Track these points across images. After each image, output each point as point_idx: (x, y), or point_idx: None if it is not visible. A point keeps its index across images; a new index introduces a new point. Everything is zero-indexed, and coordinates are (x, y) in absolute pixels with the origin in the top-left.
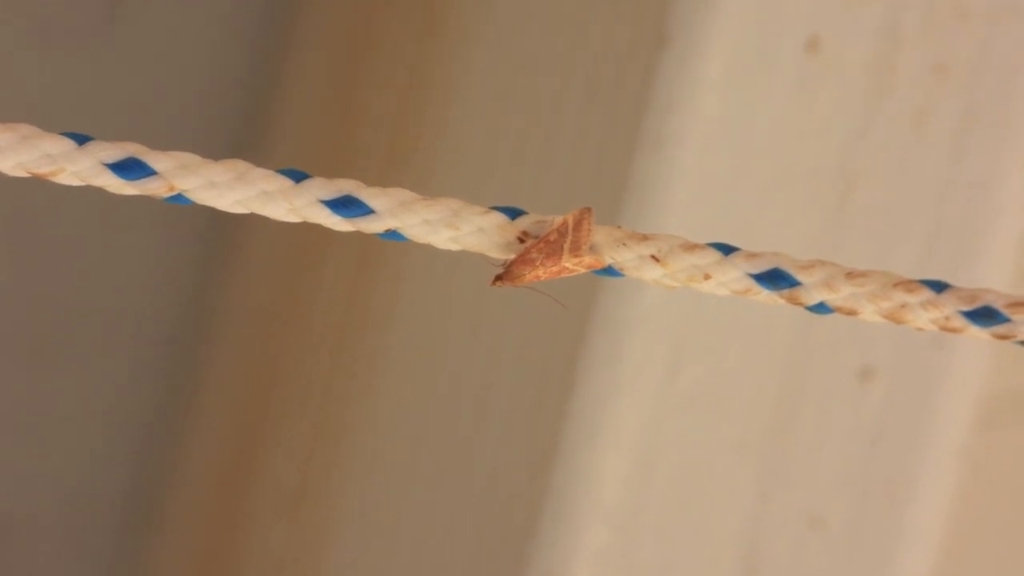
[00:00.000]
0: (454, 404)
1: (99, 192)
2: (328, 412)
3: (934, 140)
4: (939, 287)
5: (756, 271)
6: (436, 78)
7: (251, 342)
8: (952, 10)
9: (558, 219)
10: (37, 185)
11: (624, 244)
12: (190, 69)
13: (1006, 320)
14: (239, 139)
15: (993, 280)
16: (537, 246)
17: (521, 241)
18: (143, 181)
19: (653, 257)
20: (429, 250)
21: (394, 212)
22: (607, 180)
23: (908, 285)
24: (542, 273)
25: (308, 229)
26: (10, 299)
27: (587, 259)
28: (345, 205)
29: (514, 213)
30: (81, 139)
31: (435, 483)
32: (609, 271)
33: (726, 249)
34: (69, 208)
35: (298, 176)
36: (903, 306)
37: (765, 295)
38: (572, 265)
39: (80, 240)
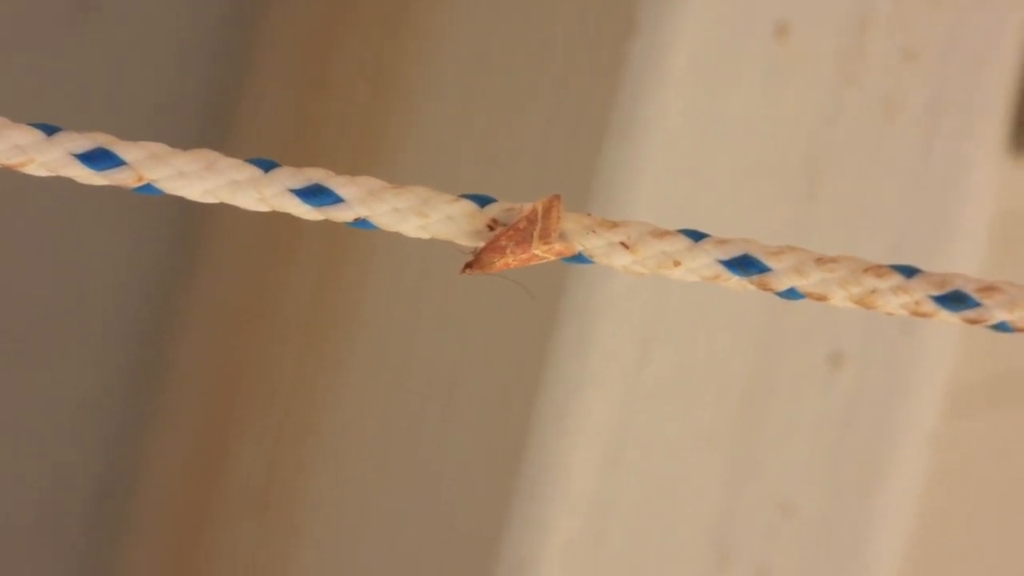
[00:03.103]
0: (423, 396)
1: (63, 186)
2: (296, 408)
3: (903, 128)
4: (909, 272)
5: (726, 257)
6: (403, 68)
7: (218, 338)
8: None
9: (527, 207)
10: (1, 175)
11: (593, 231)
12: (157, 61)
13: (976, 304)
14: (207, 131)
15: (963, 267)
16: (507, 234)
17: (491, 229)
18: (112, 171)
19: (622, 244)
20: (398, 241)
21: (363, 200)
22: (576, 168)
23: (878, 270)
24: (512, 261)
25: (275, 223)
26: None
27: (556, 246)
28: (314, 194)
29: (483, 201)
30: (50, 129)
31: (404, 476)
32: (579, 258)
33: (696, 235)
34: (31, 202)
35: (267, 165)
36: (873, 291)
37: (735, 281)
38: (542, 252)
39: (44, 236)
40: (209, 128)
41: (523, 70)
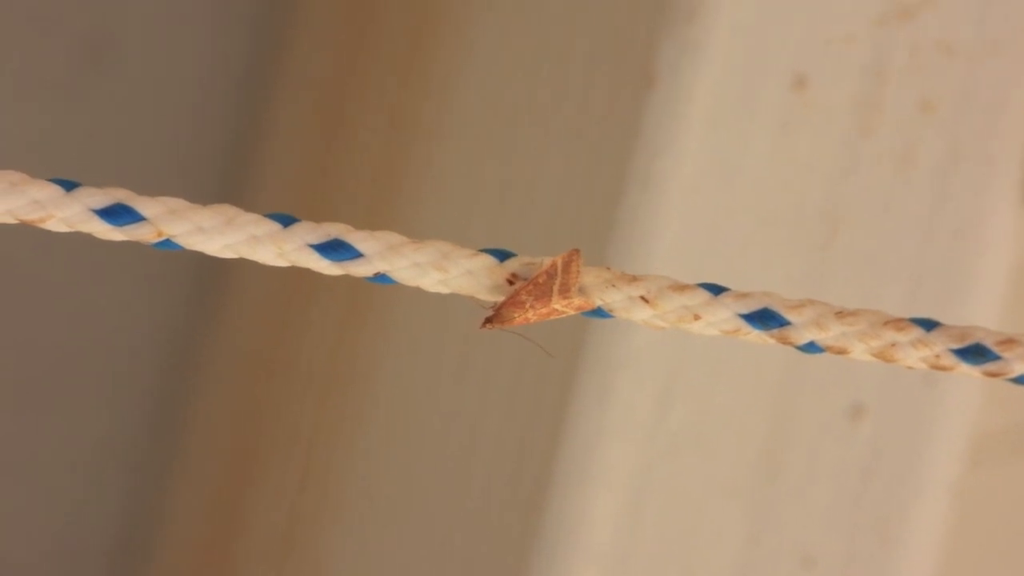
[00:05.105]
0: (443, 447)
1: (86, 236)
2: (316, 457)
3: (920, 178)
4: (929, 325)
5: (746, 311)
6: (420, 120)
7: (239, 387)
8: (937, 47)
9: (547, 261)
10: (22, 230)
11: (613, 285)
12: (174, 114)
13: (996, 358)
14: (223, 183)
15: (980, 319)
16: (526, 288)
17: (510, 283)
18: (131, 227)
19: (642, 298)
20: (417, 293)
21: (383, 255)
22: (593, 220)
23: (898, 324)
24: (532, 315)
25: (295, 273)
26: None
27: (576, 301)
28: (334, 249)
29: (503, 255)
30: (69, 185)
31: (424, 527)
32: (598, 312)
33: (716, 289)
34: (55, 252)
35: (287, 220)
36: (893, 345)
37: (755, 335)
38: (561, 307)
39: (67, 285)
40: (226, 177)
41: (539, 122)
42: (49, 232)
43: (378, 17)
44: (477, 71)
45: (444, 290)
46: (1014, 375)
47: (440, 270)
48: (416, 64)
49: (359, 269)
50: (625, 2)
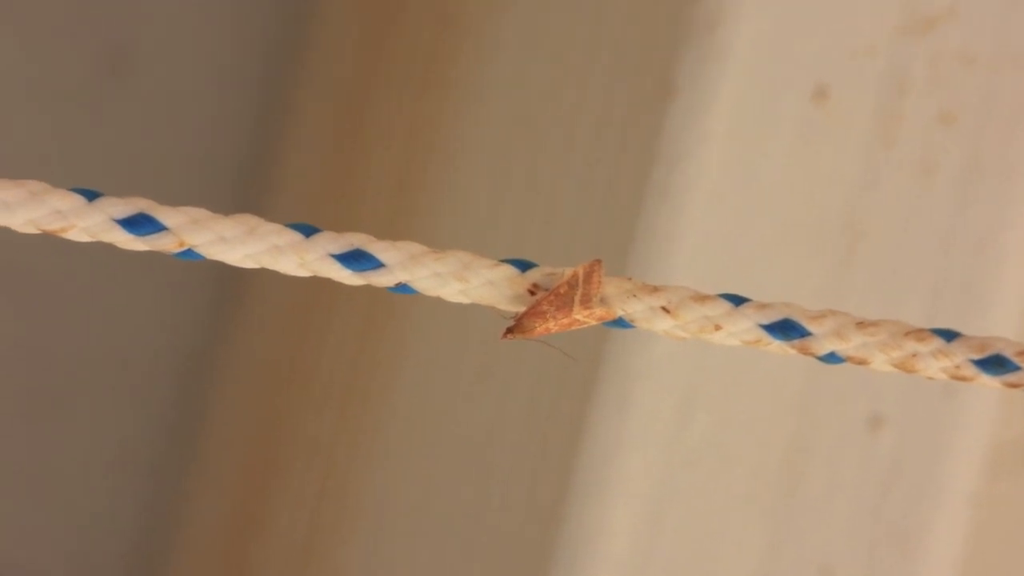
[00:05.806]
0: (461, 458)
1: (106, 246)
2: (335, 467)
3: (941, 189)
4: (949, 336)
5: (766, 321)
6: (440, 131)
7: (258, 397)
8: (958, 58)
9: (568, 271)
10: (43, 239)
11: (634, 296)
12: (193, 124)
13: (1017, 368)
14: (242, 193)
15: (1001, 331)
16: (548, 298)
17: (532, 294)
18: (153, 237)
19: (663, 308)
20: (437, 303)
21: (404, 265)
22: (614, 230)
23: (919, 334)
24: (553, 326)
25: (315, 283)
26: (16, 353)
27: (598, 311)
28: (355, 259)
29: (524, 266)
30: (91, 195)
31: (443, 537)
32: (619, 323)
33: (736, 300)
34: (75, 261)
35: (308, 230)
36: (914, 355)
37: (776, 345)
38: (583, 317)
39: (86, 294)
40: (244, 187)
41: (560, 132)
42: (70, 241)
43: (397, 27)
44: (498, 80)
45: (465, 300)
46: None
47: (461, 280)
48: (436, 74)
49: (380, 279)
50: (646, 12)
